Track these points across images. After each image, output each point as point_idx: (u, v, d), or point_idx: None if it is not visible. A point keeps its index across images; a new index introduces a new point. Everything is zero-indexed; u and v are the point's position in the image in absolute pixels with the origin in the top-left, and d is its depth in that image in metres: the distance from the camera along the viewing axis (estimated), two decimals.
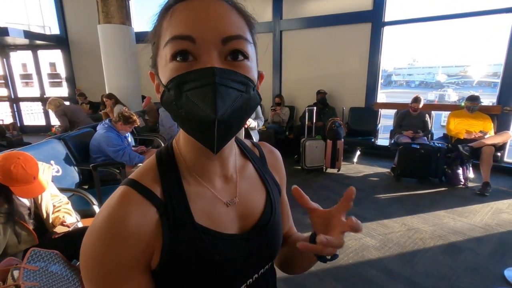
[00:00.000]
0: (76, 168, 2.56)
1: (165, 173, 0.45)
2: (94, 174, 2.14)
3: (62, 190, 1.88)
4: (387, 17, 4.47)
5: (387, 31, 4.55)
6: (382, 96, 6.55)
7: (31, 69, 7.64)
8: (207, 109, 0.35)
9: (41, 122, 7.51)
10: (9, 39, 6.04)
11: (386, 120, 5.43)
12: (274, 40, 5.29)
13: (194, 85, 0.36)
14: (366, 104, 4.83)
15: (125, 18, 4.38)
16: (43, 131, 5.02)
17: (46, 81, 7.56)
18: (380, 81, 4.90)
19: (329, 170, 4.11)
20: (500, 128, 3.77)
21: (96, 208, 1.96)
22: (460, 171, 3.47)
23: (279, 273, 0.71)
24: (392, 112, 4.67)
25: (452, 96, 17.86)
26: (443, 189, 3.43)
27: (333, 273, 1.99)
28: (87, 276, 0.39)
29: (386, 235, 2.46)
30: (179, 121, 0.39)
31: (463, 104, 3.75)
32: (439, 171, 3.57)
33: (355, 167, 4.32)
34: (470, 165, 3.58)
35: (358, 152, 4.70)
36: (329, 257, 0.49)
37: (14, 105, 7.25)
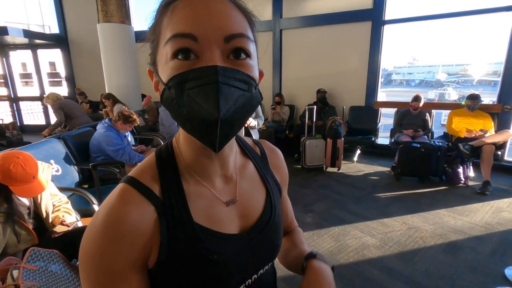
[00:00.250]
0: (76, 167, 2.56)
1: (164, 171, 0.45)
2: (93, 174, 2.13)
3: (62, 189, 1.87)
4: (387, 16, 4.45)
5: (387, 29, 4.54)
6: (382, 95, 6.55)
7: (31, 69, 7.63)
8: (210, 108, 0.34)
9: (41, 121, 7.51)
10: (9, 38, 6.03)
11: (386, 119, 5.42)
12: (274, 39, 5.28)
13: (196, 83, 0.36)
14: (366, 103, 4.83)
15: (124, 17, 4.37)
16: (43, 130, 5.00)
17: (46, 80, 7.55)
18: (380, 80, 4.88)
19: (329, 169, 4.11)
20: (501, 126, 3.77)
21: (96, 207, 1.95)
22: (460, 170, 3.46)
23: (279, 273, 0.71)
24: (392, 111, 4.66)
25: (452, 95, 17.86)
26: (444, 188, 3.43)
27: (334, 272, 1.98)
28: (84, 273, 0.39)
29: (386, 234, 2.46)
30: (180, 120, 0.39)
31: (463, 102, 3.75)
32: (440, 170, 3.56)
33: (355, 166, 4.32)
34: (471, 164, 3.58)
35: (358, 151, 4.70)
36: None
37: (14, 104, 7.25)
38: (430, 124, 4.08)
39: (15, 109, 7.28)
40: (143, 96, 5.27)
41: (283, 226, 0.60)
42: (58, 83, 11.68)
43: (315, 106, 4.27)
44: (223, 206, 0.48)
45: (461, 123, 3.67)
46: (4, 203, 1.35)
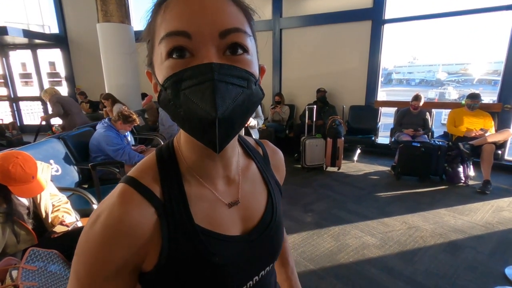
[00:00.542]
0: (75, 167, 2.56)
1: (165, 172, 0.44)
2: (93, 173, 2.13)
3: (62, 189, 1.87)
4: (387, 15, 4.45)
5: (387, 29, 4.53)
6: (382, 94, 6.54)
7: (31, 68, 7.63)
8: (207, 107, 0.33)
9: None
10: (9, 38, 6.03)
11: (386, 118, 5.42)
12: (274, 38, 5.27)
13: (191, 82, 0.35)
14: (366, 102, 4.82)
15: (124, 16, 4.36)
16: (43, 130, 4.99)
17: (45, 80, 7.56)
18: (380, 79, 4.88)
19: (329, 169, 4.10)
20: (501, 126, 3.76)
21: (95, 207, 1.95)
22: (460, 169, 3.46)
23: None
24: (392, 110, 4.66)
25: (453, 94, 17.86)
26: (444, 187, 3.42)
27: (334, 272, 1.98)
28: (75, 268, 0.38)
29: (386, 233, 2.46)
30: (178, 121, 0.38)
31: (463, 102, 3.74)
32: (440, 169, 3.56)
33: (355, 165, 4.31)
34: (471, 163, 3.57)
35: (359, 151, 4.69)
36: None
37: (14, 104, 7.25)
38: (430, 124, 4.07)
39: (15, 109, 7.28)
40: (144, 95, 5.27)
41: None
42: (58, 83, 11.67)
43: (315, 106, 4.27)
44: (225, 208, 0.47)
45: (461, 123, 3.67)
46: (3, 203, 1.35)
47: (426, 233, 2.44)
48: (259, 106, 3.64)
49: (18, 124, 6.85)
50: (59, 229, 1.53)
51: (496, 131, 3.59)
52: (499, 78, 4.07)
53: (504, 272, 1.95)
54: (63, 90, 7.45)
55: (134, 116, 2.82)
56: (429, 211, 2.83)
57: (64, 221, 1.58)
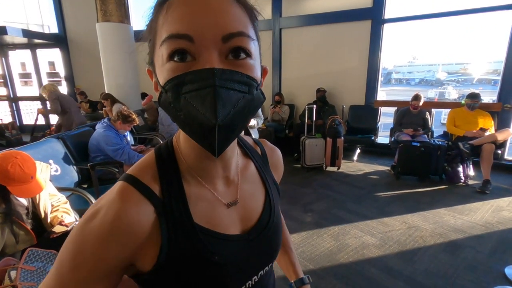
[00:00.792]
0: (75, 167, 2.55)
1: (164, 171, 0.44)
2: (92, 173, 2.13)
3: (61, 189, 1.87)
4: (387, 15, 4.44)
5: (387, 28, 4.53)
6: (382, 94, 6.54)
7: (30, 68, 7.62)
8: (207, 113, 0.33)
9: (41, 121, 7.50)
10: (8, 38, 6.02)
11: (386, 118, 5.42)
12: (274, 38, 5.26)
13: (192, 87, 0.34)
14: (366, 102, 4.82)
15: (123, 16, 4.35)
16: (43, 130, 4.99)
17: (45, 80, 7.55)
18: (380, 79, 4.88)
19: (329, 169, 4.10)
20: (501, 125, 3.76)
21: None
22: (460, 168, 3.46)
23: (280, 272, 0.70)
24: (392, 110, 4.66)
25: (452, 93, 17.86)
26: (444, 187, 3.42)
27: (334, 272, 1.98)
28: (60, 261, 0.37)
29: (386, 233, 2.46)
30: (179, 123, 0.38)
31: (463, 101, 3.74)
32: (440, 169, 3.56)
33: (355, 165, 4.31)
34: (471, 163, 3.57)
35: (358, 150, 4.69)
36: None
37: (13, 104, 7.24)
38: (430, 123, 4.07)
39: (14, 109, 7.27)
40: (144, 95, 5.26)
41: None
42: (58, 83, 11.63)
43: (314, 105, 4.26)
44: (224, 208, 0.47)
45: (461, 122, 3.66)
46: (2, 203, 1.35)
47: (426, 233, 2.44)
48: None
49: (18, 124, 6.85)
50: (58, 229, 1.53)
51: (496, 130, 3.59)
52: (499, 78, 4.06)
53: (504, 271, 1.95)
54: (63, 90, 7.42)
55: (134, 116, 2.81)
56: (428, 210, 2.83)
57: (63, 221, 1.57)
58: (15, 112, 7.29)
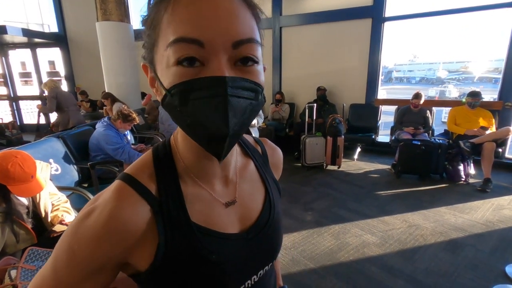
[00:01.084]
0: (75, 166, 2.55)
1: (161, 171, 0.44)
2: (92, 172, 2.13)
3: (61, 188, 1.87)
4: (388, 13, 4.43)
5: (387, 26, 4.51)
6: (382, 93, 6.53)
7: (30, 68, 7.63)
8: (218, 122, 0.33)
9: (41, 120, 7.51)
10: (8, 37, 6.02)
11: (386, 116, 5.41)
12: (274, 36, 5.25)
13: (202, 94, 0.34)
14: (366, 101, 4.81)
15: (123, 15, 4.35)
16: (43, 130, 5.00)
17: (45, 79, 7.52)
18: (381, 77, 4.87)
19: (330, 167, 4.10)
20: (502, 123, 3.75)
21: None
22: (461, 167, 3.45)
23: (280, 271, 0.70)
24: (392, 108, 4.65)
25: (453, 92, 17.81)
26: (444, 185, 3.42)
27: (334, 271, 1.98)
28: (54, 257, 0.38)
29: (386, 231, 2.46)
30: (183, 127, 0.38)
31: (464, 100, 3.73)
32: (440, 168, 3.55)
33: (355, 164, 4.31)
34: (471, 161, 3.57)
35: (359, 149, 4.69)
36: None
37: (14, 103, 7.25)
38: (430, 122, 4.06)
39: (14, 108, 7.27)
40: (143, 94, 5.26)
41: None
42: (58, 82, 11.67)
43: (315, 104, 4.26)
44: (222, 208, 0.47)
45: (462, 121, 3.66)
46: (3, 202, 1.35)
47: (427, 232, 2.44)
48: None
49: (18, 124, 6.86)
50: (58, 228, 1.53)
51: (497, 129, 3.58)
52: (500, 76, 4.05)
53: (504, 270, 1.95)
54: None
55: (134, 115, 2.81)
56: (429, 209, 2.83)
57: (63, 220, 1.58)
58: (16, 111, 7.30)
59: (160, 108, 4.36)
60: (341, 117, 4.18)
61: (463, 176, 3.45)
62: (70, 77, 7.23)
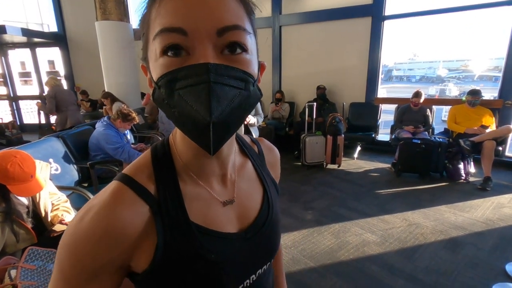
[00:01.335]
0: (75, 166, 2.55)
1: (160, 170, 0.43)
2: (91, 172, 2.13)
3: (61, 188, 1.87)
4: (387, 11, 4.42)
5: (387, 25, 4.51)
6: (382, 91, 6.52)
7: (30, 67, 7.63)
8: (201, 110, 0.32)
9: (41, 120, 7.51)
10: (7, 37, 6.02)
11: (386, 115, 5.41)
12: (274, 35, 5.25)
13: (186, 83, 0.33)
14: (366, 99, 4.81)
15: (123, 14, 4.34)
16: (43, 129, 4.99)
17: (45, 79, 7.52)
18: (381, 76, 4.86)
19: (330, 166, 4.10)
20: (502, 122, 3.75)
21: None
22: (461, 165, 3.45)
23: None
24: (392, 107, 4.65)
25: (453, 90, 17.80)
26: (444, 184, 3.42)
27: (334, 269, 1.98)
28: (58, 265, 0.38)
29: (387, 230, 2.46)
30: (173, 120, 0.37)
31: (464, 98, 3.73)
32: (440, 166, 3.55)
33: (355, 162, 4.31)
34: (471, 160, 3.57)
35: (359, 148, 4.69)
36: None
37: (13, 103, 7.24)
38: (430, 120, 4.06)
39: (14, 108, 7.27)
40: (143, 94, 5.25)
41: None
42: None
43: (315, 103, 4.25)
44: (220, 207, 0.47)
45: (462, 119, 3.65)
46: (2, 202, 1.35)
47: (427, 230, 2.44)
48: (259, 104, 3.62)
49: (18, 123, 6.85)
50: (58, 228, 1.53)
51: (497, 127, 3.58)
52: (500, 74, 4.05)
53: (504, 268, 1.95)
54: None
55: (133, 115, 2.81)
56: (429, 208, 2.83)
57: (63, 220, 1.58)
58: (15, 111, 7.30)
59: None
60: (341, 116, 4.17)
61: (463, 175, 3.45)
62: (69, 77, 7.23)
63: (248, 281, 0.49)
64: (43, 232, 1.51)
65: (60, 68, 7.75)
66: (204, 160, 0.44)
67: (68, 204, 1.70)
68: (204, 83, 0.33)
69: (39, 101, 4.26)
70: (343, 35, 4.77)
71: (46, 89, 4.19)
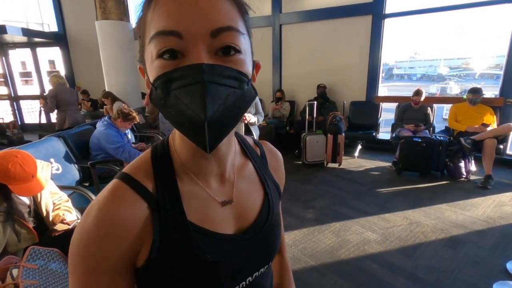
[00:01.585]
0: (76, 165, 2.56)
1: (159, 169, 0.44)
2: (92, 172, 2.14)
3: (62, 187, 1.87)
4: (388, 9, 4.41)
5: (388, 23, 4.49)
6: (383, 90, 6.51)
7: (30, 67, 7.64)
8: (196, 109, 0.33)
9: (42, 120, 7.52)
10: (8, 37, 6.02)
11: (387, 113, 5.40)
12: (274, 34, 5.24)
13: (181, 83, 0.34)
14: (367, 98, 4.80)
15: (123, 14, 4.35)
16: (44, 129, 5.00)
17: (45, 78, 7.54)
18: (381, 74, 4.85)
19: (330, 165, 4.10)
20: (503, 120, 3.74)
21: None
22: (462, 164, 3.45)
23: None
24: (393, 105, 4.64)
25: (454, 88, 17.78)
26: (445, 182, 3.41)
27: (335, 268, 1.99)
28: (72, 271, 0.38)
29: (387, 229, 2.46)
30: (170, 120, 0.37)
31: (465, 96, 3.72)
32: (441, 165, 3.55)
33: (356, 161, 4.30)
34: (472, 158, 3.56)
35: (359, 147, 4.68)
36: None
37: (14, 103, 7.25)
38: (431, 119, 4.05)
39: (15, 108, 7.28)
40: (143, 95, 5.25)
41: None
42: None
43: (315, 102, 4.25)
44: (218, 206, 0.47)
45: (463, 117, 3.64)
46: (4, 202, 1.35)
47: (427, 229, 2.44)
48: (259, 103, 3.62)
49: (19, 123, 6.87)
50: (60, 227, 1.54)
51: (498, 125, 3.57)
52: (501, 72, 4.04)
53: (505, 267, 1.95)
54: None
55: (134, 114, 2.81)
56: (430, 206, 2.83)
57: (65, 220, 1.58)
58: (16, 111, 7.31)
59: None
60: (342, 115, 4.17)
61: (464, 173, 3.44)
62: (70, 76, 7.23)
63: (244, 282, 0.49)
64: (45, 232, 1.52)
65: (61, 67, 7.75)
66: (201, 159, 0.45)
67: (69, 204, 1.71)
68: (199, 83, 0.33)
69: (42, 99, 4.26)
70: (344, 34, 4.76)
71: (50, 87, 4.18)
